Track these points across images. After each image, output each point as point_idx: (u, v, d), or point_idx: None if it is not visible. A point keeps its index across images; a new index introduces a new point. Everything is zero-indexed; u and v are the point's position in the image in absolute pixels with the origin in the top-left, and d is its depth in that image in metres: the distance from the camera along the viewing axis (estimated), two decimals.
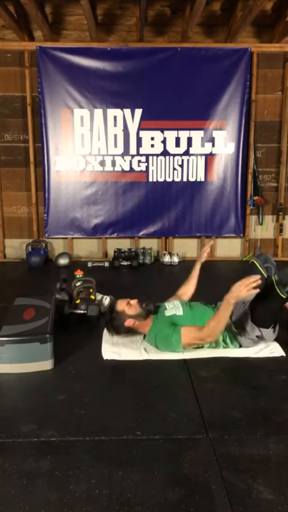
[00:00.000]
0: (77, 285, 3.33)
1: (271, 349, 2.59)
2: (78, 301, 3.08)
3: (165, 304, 2.75)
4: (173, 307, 2.67)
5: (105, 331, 2.83)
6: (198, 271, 3.02)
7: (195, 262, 3.06)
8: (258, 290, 2.30)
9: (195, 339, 2.47)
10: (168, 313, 2.63)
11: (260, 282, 2.30)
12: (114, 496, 1.47)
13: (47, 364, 2.38)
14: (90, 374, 2.35)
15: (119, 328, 2.65)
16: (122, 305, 2.64)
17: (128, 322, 2.61)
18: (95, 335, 2.81)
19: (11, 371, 2.33)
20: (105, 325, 2.76)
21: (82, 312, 2.99)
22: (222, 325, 2.40)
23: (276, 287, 2.46)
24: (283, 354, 2.54)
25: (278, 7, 4.82)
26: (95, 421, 1.90)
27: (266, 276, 2.83)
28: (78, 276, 3.85)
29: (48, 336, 2.37)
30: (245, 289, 2.28)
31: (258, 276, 2.32)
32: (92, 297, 3.18)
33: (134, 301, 2.65)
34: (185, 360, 2.47)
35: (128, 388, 2.19)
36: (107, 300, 3.30)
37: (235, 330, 2.58)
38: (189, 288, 2.99)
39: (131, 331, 2.66)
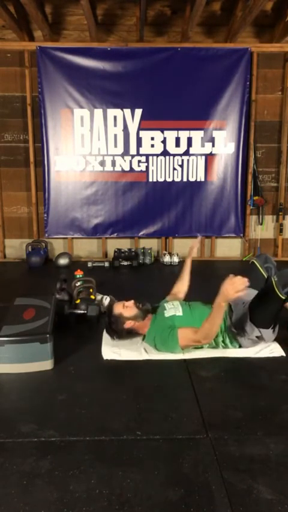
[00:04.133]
0: (77, 285, 3.33)
1: (271, 349, 2.59)
2: (78, 301, 3.08)
3: (165, 304, 2.74)
4: (172, 308, 2.67)
5: (105, 332, 2.83)
6: (189, 267, 3.02)
7: (185, 259, 3.07)
8: (246, 291, 2.25)
9: (192, 341, 2.47)
10: (167, 313, 2.62)
11: (247, 283, 2.23)
12: (114, 496, 1.47)
13: (47, 364, 2.38)
14: (90, 374, 2.36)
15: (119, 331, 2.64)
16: (118, 308, 2.64)
17: (128, 324, 2.60)
18: (95, 335, 2.81)
19: (11, 371, 2.33)
20: (105, 330, 2.76)
21: (82, 312, 2.99)
22: (216, 327, 2.40)
23: (276, 288, 2.45)
24: (283, 354, 2.54)
25: (278, 7, 4.82)
26: (95, 421, 1.90)
27: (266, 276, 2.83)
28: (78, 276, 3.85)
29: (48, 336, 2.37)
30: (233, 291, 2.21)
31: (245, 279, 2.24)
32: (92, 297, 3.18)
33: (129, 303, 2.65)
34: (185, 360, 2.47)
35: (128, 388, 2.19)
36: (107, 300, 3.30)
37: (235, 331, 2.57)
38: (183, 286, 3.00)
39: (131, 333, 2.66)
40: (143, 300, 2.72)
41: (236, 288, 2.21)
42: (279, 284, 2.45)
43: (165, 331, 2.50)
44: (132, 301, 2.66)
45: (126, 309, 2.62)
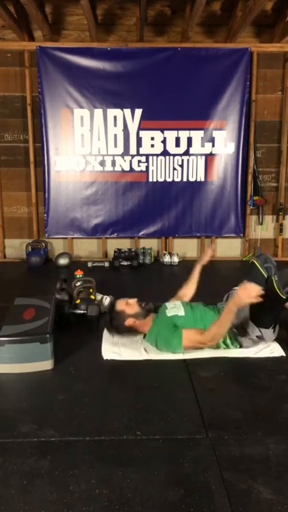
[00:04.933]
0: (77, 285, 3.33)
1: (271, 349, 2.59)
2: (78, 301, 3.08)
3: (166, 304, 2.74)
4: (174, 308, 2.66)
5: (105, 331, 2.83)
6: (198, 273, 3.02)
7: (195, 263, 3.06)
8: (260, 299, 2.28)
9: (196, 342, 2.47)
10: (169, 313, 2.62)
11: (262, 292, 2.27)
12: (114, 496, 1.47)
13: (47, 364, 2.38)
14: (90, 374, 2.35)
15: (119, 328, 2.64)
16: (121, 305, 2.64)
17: (128, 322, 2.60)
18: (95, 335, 2.81)
19: (11, 371, 2.33)
20: (106, 326, 2.76)
21: (82, 312, 2.99)
22: (224, 330, 2.41)
23: (276, 287, 2.46)
24: (283, 354, 2.54)
25: (278, 7, 4.82)
26: (95, 421, 1.90)
27: (266, 276, 2.83)
28: (78, 276, 3.85)
29: (48, 336, 2.37)
30: (247, 297, 2.26)
31: (260, 288, 2.29)
32: (92, 297, 3.18)
33: (132, 300, 2.65)
34: (185, 360, 2.46)
35: (128, 388, 2.19)
36: (107, 300, 3.30)
37: (235, 331, 2.57)
38: (189, 290, 2.99)
39: (131, 331, 2.66)
40: (146, 300, 2.71)
41: (250, 295, 2.24)
42: (280, 284, 2.46)
43: (169, 331, 2.50)
44: (135, 299, 2.66)
45: (128, 306, 2.62)
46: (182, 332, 2.47)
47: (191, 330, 2.48)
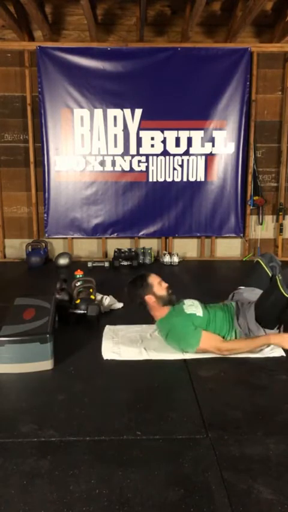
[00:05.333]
0: (77, 285, 3.33)
1: (271, 349, 2.58)
2: (78, 301, 3.08)
3: (184, 300, 2.70)
4: (192, 305, 2.62)
5: (105, 331, 2.83)
6: None
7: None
8: None
9: (213, 348, 2.46)
10: (187, 310, 2.58)
11: None
12: (114, 496, 1.47)
13: (47, 364, 2.37)
14: (90, 374, 2.35)
15: (137, 296, 2.62)
16: (154, 280, 2.62)
17: (149, 298, 2.57)
18: (95, 335, 2.81)
19: (11, 371, 2.33)
20: (127, 288, 2.70)
21: (82, 312, 2.99)
22: (244, 351, 2.48)
23: (280, 286, 2.45)
24: (283, 354, 2.54)
25: (278, 7, 4.82)
26: (95, 421, 1.90)
27: (270, 275, 2.84)
28: (78, 276, 3.85)
29: (48, 336, 2.36)
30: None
31: None
32: (92, 297, 3.18)
33: (165, 284, 2.64)
34: (185, 360, 2.46)
35: (128, 388, 2.19)
36: (107, 300, 3.30)
37: (240, 330, 2.57)
38: None
39: (143, 306, 2.63)
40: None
41: None
42: (284, 283, 2.45)
43: (188, 327, 2.47)
44: (167, 284, 2.65)
45: (159, 285, 2.61)
46: (202, 333, 2.46)
47: (212, 335, 2.48)
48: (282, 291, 2.45)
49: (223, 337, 2.54)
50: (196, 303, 2.69)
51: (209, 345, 2.46)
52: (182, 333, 2.48)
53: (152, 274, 2.70)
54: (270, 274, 2.83)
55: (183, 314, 2.56)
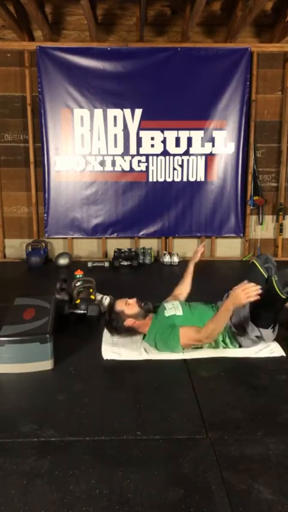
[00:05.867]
0: (77, 285, 3.33)
1: (271, 349, 2.59)
2: (78, 301, 3.08)
3: (165, 304, 2.75)
4: (172, 308, 2.67)
5: (105, 331, 2.83)
6: (192, 270, 3.04)
7: (188, 262, 3.07)
8: (258, 297, 2.28)
9: (193, 340, 2.47)
10: (167, 313, 2.62)
11: (260, 291, 2.28)
12: (114, 496, 1.47)
13: (47, 364, 2.38)
14: (90, 374, 2.36)
15: (118, 328, 2.64)
16: (121, 305, 2.64)
17: (128, 322, 2.60)
18: (95, 335, 2.81)
19: (11, 371, 2.33)
20: (105, 326, 2.76)
21: (82, 312, 2.99)
22: (220, 327, 2.41)
23: (276, 287, 2.46)
24: (283, 353, 2.54)
25: (278, 7, 4.82)
26: (95, 421, 1.90)
27: (266, 276, 2.83)
28: (78, 276, 3.85)
29: (48, 336, 2.37)
30: (245, 296, 2.26)
31: (259, 287, 2.29)
32: (92, 297, 3.18)
33: (132, 300, 2.64)
34: (185, 360, 2.47)
35: (128, 388, 2.19)
36: (107, 300, 3.30)
37: (235, 330, 2.58)
38: (184, 288, 3.00)
39: (131, 331, 2.65)
40: (146, 300, 2.72)
41: (248, 294, 2.25)
42: (280, 284, 2.46)
43: (167, 331, 2.50)
44: (134, 299, 2.65)
45: (128, 306, 2.62)
46: (179, 330, 2.47)
47: (188, 328, 2.48)
48: (278, 291, 2.46)
49: None
50: (176, 303, 2.73)
51: (188, 339, 2.46)
52: (163, 339, 2.51)
53: (117, 300, 2.70)
54: (265, 275, 2.84)
55: (164, 319, 2.60)
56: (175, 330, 2.47)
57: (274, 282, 2.49)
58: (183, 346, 2.48)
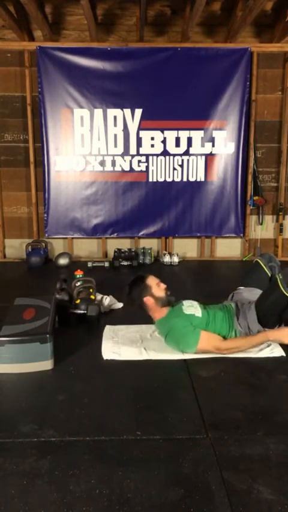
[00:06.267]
0: (77, 285, 3.33)
1: (271, 349, 2.58)
2: (78, 301, 3.08)
3: (183, 301, 2.71)
4: (191, 306, 2.64)
5: (105, 331, 2.83)
6: None
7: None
8: None
9: (212, 347, 2.46)
10: (186, 310, 2.59)
11: None
12: (114, 496, 1.47)
13: (47, 364, 2.38)
14: (90, 374, 2.35)
15: (135, 298, 2.63)
16: (152, 281, 2.64)
17: (148, 299, 2.59)
18: (95, 335, 2.81)
19: (11, 371, 2.33)
20: (127, 287, 2.71)
21: (82, 312, 2.99)
22: (244, 349, 2.48)
23: (281, 286, 2.46)
24: (283, 354, 2.54)
25: (278, 7, 4.82)
26: (95, 421, 1.90)
27: (270, 275, 2.84)
28: (78, 276, 3.85)
29: (48, 336, 2.37)
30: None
31: None
32: (92, 297, 3.18)
33: (163, 285, 2.65)
34: (185, 360, 2.46)
35: (128, 388, 2.19)
36: (107, 300, 3.30)
37: (241, 329, 2.57)
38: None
39: (142, 308, 2.64)
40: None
41: None
42: (284, 282, 2.46)
43: (187, 328, 2.48)
44: (165, 286, 2.66)
45: (158, 286, 2.62)
46: (201, 333, 2.46)
47: (211, 334, 2.49)
48: (283, 290, 2.46)
49: (223, 337, 2.54)
50: (195, 303, 2.69)
51: (208, 344, 2.46)
52: (181, 334, 2.48)
53: (150, 275, 2.70)
54: (269, 274, 2.84)
55: (182, 315, 2.56)
56: (196, 331, 2.46)
57: (279, 280, 2.49)
58: (199, 349, 2.46)
